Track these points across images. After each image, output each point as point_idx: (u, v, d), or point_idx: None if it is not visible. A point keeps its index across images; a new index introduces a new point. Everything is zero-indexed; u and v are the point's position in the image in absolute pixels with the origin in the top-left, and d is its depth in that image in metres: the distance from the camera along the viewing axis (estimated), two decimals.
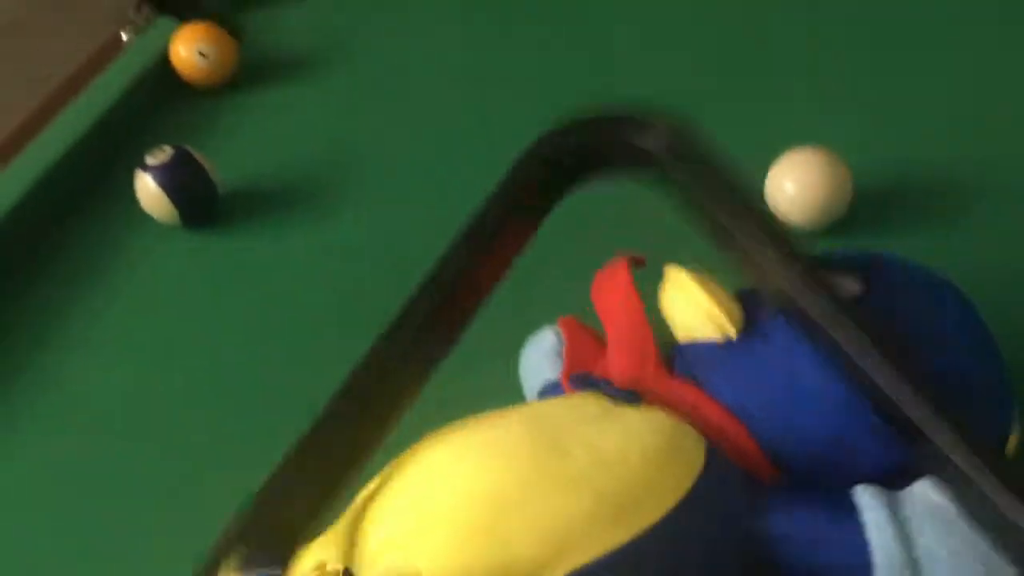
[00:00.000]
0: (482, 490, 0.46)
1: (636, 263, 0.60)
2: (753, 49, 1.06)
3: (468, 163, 0.91)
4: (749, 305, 0.55)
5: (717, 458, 0.49)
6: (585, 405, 0.52)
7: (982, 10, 1.06)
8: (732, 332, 0.54)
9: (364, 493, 0.48)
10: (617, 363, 0.58)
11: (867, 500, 0.46)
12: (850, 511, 0.46)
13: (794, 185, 0.80)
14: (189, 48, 1.06)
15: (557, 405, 0.54)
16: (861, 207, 0.81)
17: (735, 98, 0.98)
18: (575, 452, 0.47)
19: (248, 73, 1.11)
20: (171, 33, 1.09)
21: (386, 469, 0.49)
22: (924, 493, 0.45)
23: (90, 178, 0.96)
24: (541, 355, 0.65)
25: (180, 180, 0.86)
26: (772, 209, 0.81)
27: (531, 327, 0.67)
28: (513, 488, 0.45)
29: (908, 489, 0.46)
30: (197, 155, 0.87)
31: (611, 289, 0.60)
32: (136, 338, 0.80)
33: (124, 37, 1.11)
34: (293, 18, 1.22)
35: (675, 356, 0.57)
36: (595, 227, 0.77)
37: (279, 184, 0.94)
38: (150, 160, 0.87)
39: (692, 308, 0.54)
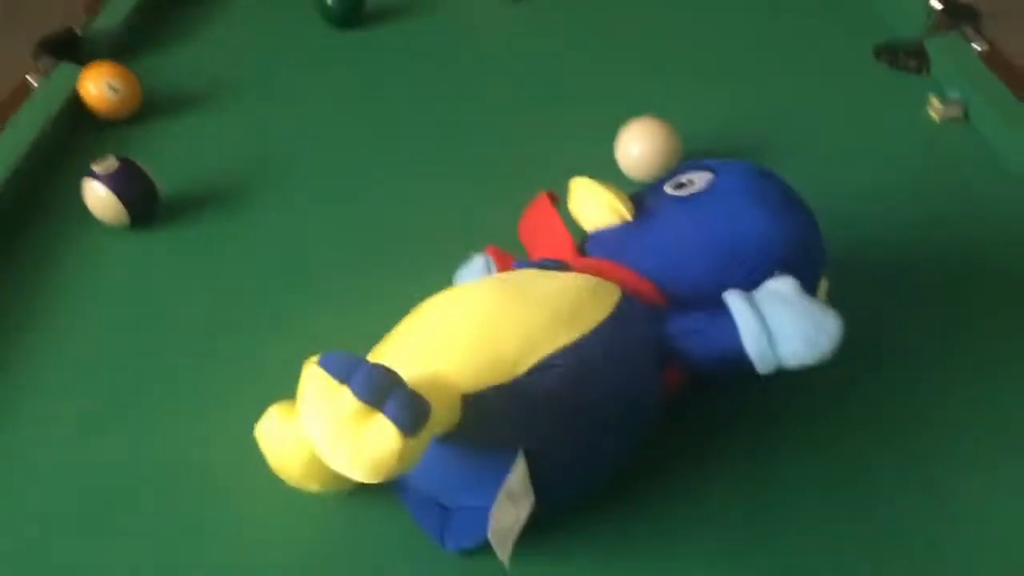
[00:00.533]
0: (476, 315, 0.65)
1: (553, 197, 0.80)
2: (610, 41, 1.37)
3: (353, 169, 1.14)
4: (636, 200, 0.76)
5: (628, 295, 0.69)
6: (529, 270, 0.72)
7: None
8: (628, 215, 0.74)
9: (387, 337, 0.66)
10: (542, 256, 0.77)
11: (732, 297, 0.67)
12: (722, 309, 0.67)
13: (637, 146, 1.03)
14: (99, 84, 1.19)
15: (510, 273, 0.73)
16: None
17: (595, 78, 1.27)
18: (532, 289, 0.67)
19: (147, 107, 1.24)
20: (74, 75, 1.21)
21: (402, 321, 0.67)
22: (772, 285, 0.67)
23: (25, 200, 1.07)
24: (474, 273, 0.83)
25: (128, 183, 0.99)
26: (619, 165, 1.04)
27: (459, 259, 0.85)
28: (495, 312, 0.65)
29: (761, 285, 0.68)
30: (137, 162, 1.01)
31: (535, 211, 0.81)
32: (98, 320, 0.92)
33: (32, 82, 1.22)
34: (177, 61, 1.36)
35: (586, 245, 0.77)
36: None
37: (198, 192, 1.09)
38: (97, 169, 0.99)
39: (596, 201, 0.75)
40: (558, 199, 0.81)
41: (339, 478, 0.68)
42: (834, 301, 0.75)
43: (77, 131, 1.19)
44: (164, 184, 1.04)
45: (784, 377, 0.71)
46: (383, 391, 0.54)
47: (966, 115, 1.12)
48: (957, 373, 0.81)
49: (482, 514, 0.63)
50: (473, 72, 1.32)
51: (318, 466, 0.67)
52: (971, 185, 1.04)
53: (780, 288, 0.66)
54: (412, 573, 0.67)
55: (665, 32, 1.39)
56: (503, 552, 0.60)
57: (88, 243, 1.02)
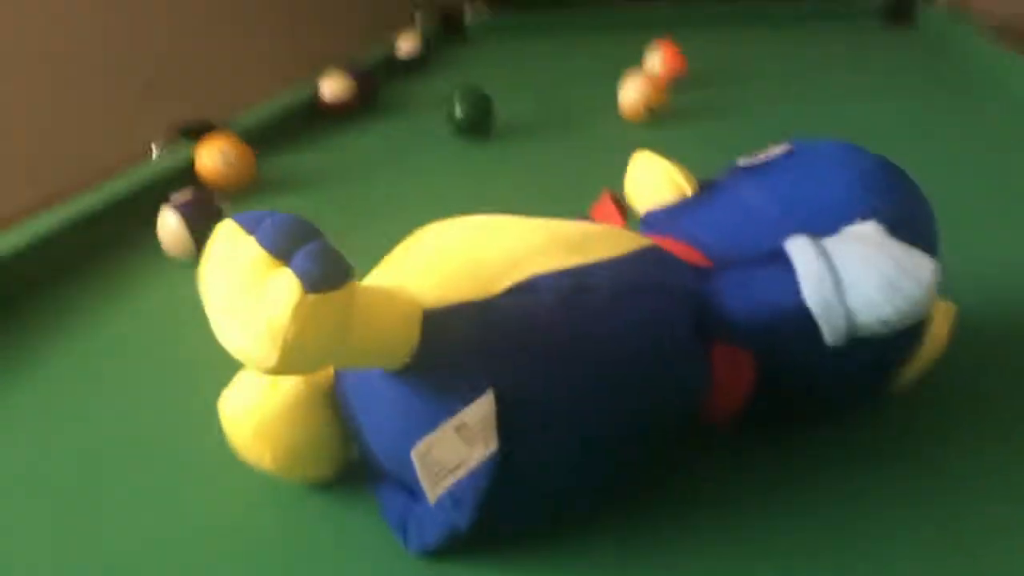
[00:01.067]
0: (467, 234, 0.53)
1: (617, 197, 0.69)
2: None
3: None
4: (704, 183, 0.64)
5: (664, 249, 0.56)
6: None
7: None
8: (688, 190, 0.62)
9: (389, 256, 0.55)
10: None
11: (793, 239, 0.52)
12: (777, 254, 0.52)
13: None
14: (213, 153, 1.19)
15: None
16: None
17: None
18: (534, 220, 0.55)
19: (257, 186, 1.23)
20: (194, 147, 1.23)
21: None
22: (852, 228, 0.51)
23: (113, 236, 1.05)
24: None
25: (199, 213, 0.95)
26: None
27: None
28: (488, 233, 0.53)
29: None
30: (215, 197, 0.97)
31: (599, 205, 0.69)
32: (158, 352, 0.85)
33: (154, 150, 1.25)
34: (302, 159, 1.37)
35: (641, 226, 0.64)
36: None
37: None
38: (175, 198, 0.97)
39: (656, 173, 0.63)
40: (622, 201, 0.70)
41: (297, 448, 0.56)
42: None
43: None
44: None
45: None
46: (294, 242, 0.42)
47: None
48: None
49: (447, 503, 0.49)
50: (588, 190, 1.24)
51: (271, 428, 0.55)
52: None
53: (857, 229, 0.51)
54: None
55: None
56: (434, 487, 0.45)
57: (153, 274, 0.97)
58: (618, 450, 0.51)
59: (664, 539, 0.52)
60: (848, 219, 0.56)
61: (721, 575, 0.50)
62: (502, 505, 0.49)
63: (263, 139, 1.40)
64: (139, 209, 1.11)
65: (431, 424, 0.48)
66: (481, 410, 0.46)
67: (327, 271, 0.42)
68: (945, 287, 0.62)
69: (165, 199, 0.97)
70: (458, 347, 0.47)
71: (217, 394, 0.68)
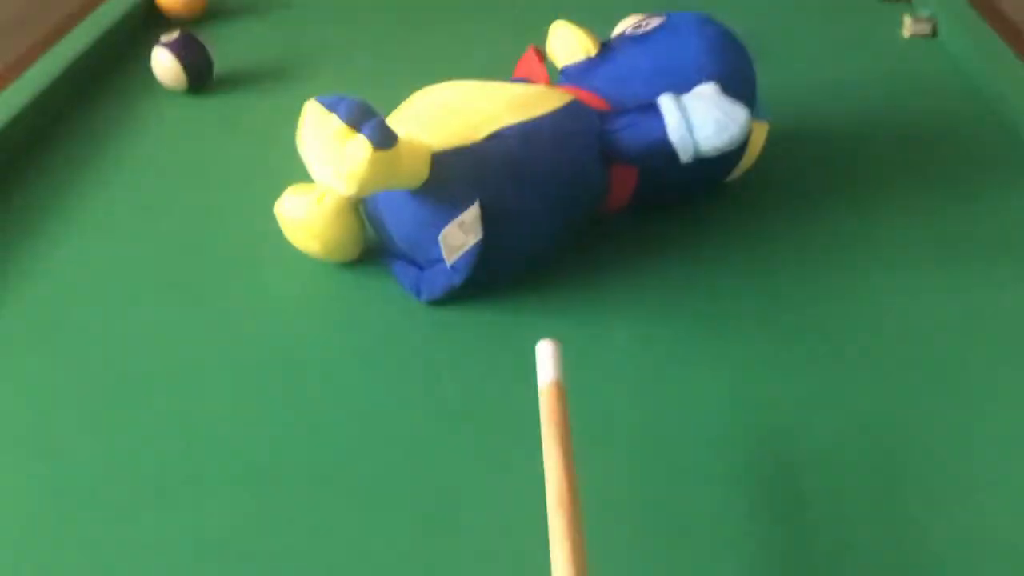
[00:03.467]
0: (454, 97, 0.80)
1: (538, 52, 0.95)
2: None
3: (393, 65, 1.29)
4: (604, 45, 0.90)
5: (581, 102, 0.83)
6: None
7: None
8: (593, 51, 0.89)
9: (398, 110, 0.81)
10: None
11: (662, 97, 0.80)
12: (652, 105, 0.80)
13: None
14: None
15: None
16: None
17: None
18: (500, 86, 0.82)
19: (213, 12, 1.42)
20: None
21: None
22: (699, 87, 0.80)
23: (100, 73, 1.25)
24: None
25: (187, 50, 1.16)
26: None
27: None
28: (468, 96, 0.80)
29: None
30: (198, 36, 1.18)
31: (523, 62, 0.95)
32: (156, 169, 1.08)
33: None
34: None
35: (559, 79, 0.91)
36: None
37: (250, 71, 1.26)
38: (164, 39, 1.17)
39: (568, 37, 0.89)
40: (543, 53, 0.96)
41: (338, 240, 0.84)
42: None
43: (148, 25, 1.37)
44: (219, 62, 1.21)
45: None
46: (361, 117, 0.69)
47: (935, 32, 1.25)
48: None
49: (446, 270, 0.78)
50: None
51: (321, 228, 0.82)
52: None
53: (702, 89, 0.80)
54: (392, 320, 0.82)
55: None
56: (448, 257, 0.75)
57: (150, 105, 1.19)
58: (556, 231, 0.80)
59: (585, 280, 0.83)
60: (697, 75, 0.84)
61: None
62: (483, 271, 0.78)
63: None
64: (119, 49, 1.30)
65: (438, 222, 0.76)
66: (472, 214, 0.74)
67: (385, 137, 0.68)
68: (765, 111, 0.91)
69: (156, 40, 1.17)
70: (456, 175, 0.75)
71: (265, 197, 0.94)
